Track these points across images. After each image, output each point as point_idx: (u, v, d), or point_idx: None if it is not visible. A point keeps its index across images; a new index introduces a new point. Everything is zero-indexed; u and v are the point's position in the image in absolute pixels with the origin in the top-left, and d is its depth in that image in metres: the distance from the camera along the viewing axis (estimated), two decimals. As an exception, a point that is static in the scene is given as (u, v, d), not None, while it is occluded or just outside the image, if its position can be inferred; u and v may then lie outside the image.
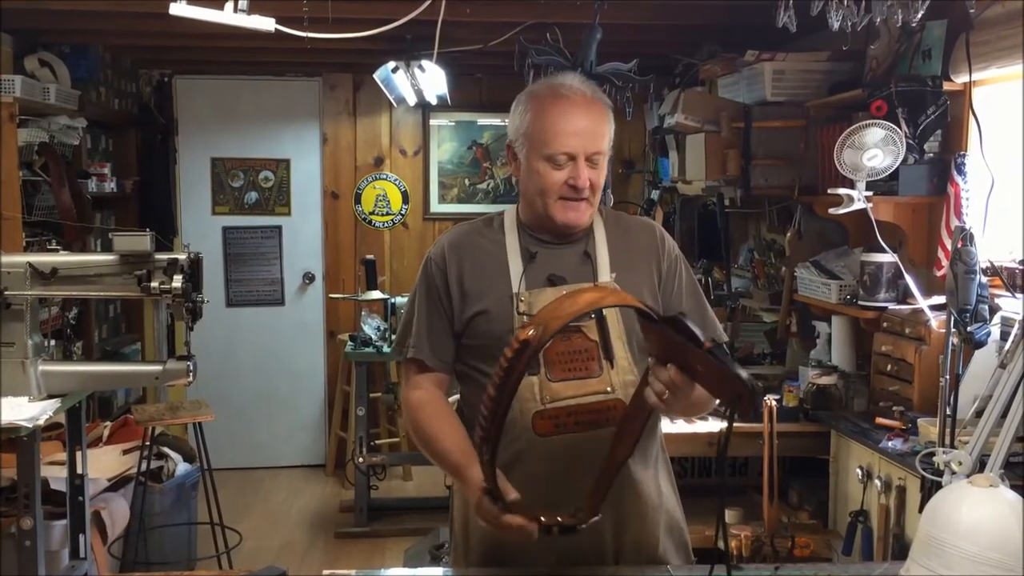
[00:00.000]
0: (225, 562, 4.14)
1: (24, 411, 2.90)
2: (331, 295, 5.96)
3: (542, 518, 1.62)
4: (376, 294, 5.10)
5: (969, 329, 2.57)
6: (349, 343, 5.13)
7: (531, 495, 1.85)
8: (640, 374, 1.88)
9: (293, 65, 5.90)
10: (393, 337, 3.94)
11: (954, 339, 2.61)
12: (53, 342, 3.87)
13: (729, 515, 3.55)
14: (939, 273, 3.23)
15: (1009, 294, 2.83)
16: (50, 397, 3.05)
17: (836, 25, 2.72)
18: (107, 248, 3.04)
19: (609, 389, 1.86)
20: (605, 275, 1.92)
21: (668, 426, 2.88)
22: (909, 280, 3.35)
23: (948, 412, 2.60)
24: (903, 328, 3.27)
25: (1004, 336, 2.70)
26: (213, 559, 4.15)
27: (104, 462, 4.00)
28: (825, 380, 3.56)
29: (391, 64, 4.80)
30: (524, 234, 1.96)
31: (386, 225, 6.10)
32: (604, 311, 1.88)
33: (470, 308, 1.92)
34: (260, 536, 4.91)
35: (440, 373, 1.97)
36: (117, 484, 3.97)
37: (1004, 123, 3.17)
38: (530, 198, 1.94)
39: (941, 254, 3.22)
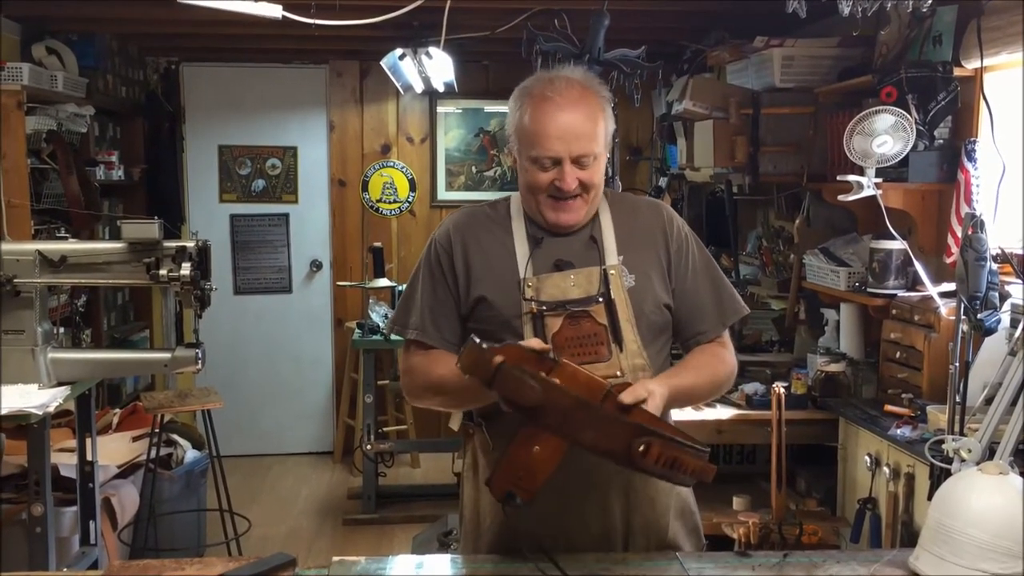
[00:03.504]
0: (234, 548, 4.17)
1: (34, 398, 2.91)
2: (338, 283, 5.96)
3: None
4: (383, 282, 5.10)
5: (979, 316, 2.56)
6: (357, 331, 5.14)
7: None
8: (649, 358, 1.88)
9: (300, 52, 5.88)
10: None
11: (964, 326, 2.60)
12: (62, 330, 3.88)
13: (737, 502, 3.55)
14: (949, 260, 3.22)
15: (1019, 281, 2.81)
16: (60, 384, 3.06)
17: (846, 11, 2.70)
18: (115, 236, 3.05)
19: (619, 373, 1.86)
20: (612, 258, 1.91)
21: (676, 413, 2.88)
22: (918, 267, 3.34)
23: (957, 400, 2.59)
24: (912, 315, 3.26)
25: (1014, 323, 2.69)
26: (222, 545, 4.18)
27: (113, 449, 4.01)
28: (833, 368, 3.55)
29: (398, 51, 4.78)
30: (529, 220, 1.95)
31: (393, 213, 6.10)
32: (612, 294, 1.88)
33: (476, 291, 1.91)
34: (269, 523, 4.93)
35: (442, 351, 1.95)
36: (127, 471, 3.98)
37: (1015, 109, 3.15)
38: (523, 194, 1.94)
39: (951, 241, 3.20)
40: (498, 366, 1.59)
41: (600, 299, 1.88)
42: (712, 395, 1.94)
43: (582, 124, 1.84)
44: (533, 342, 1.72)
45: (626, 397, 1.66)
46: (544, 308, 1.87)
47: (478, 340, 1.65)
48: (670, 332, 1.99)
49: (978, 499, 1.62)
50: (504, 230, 1.95)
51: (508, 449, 1.67)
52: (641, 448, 1.58)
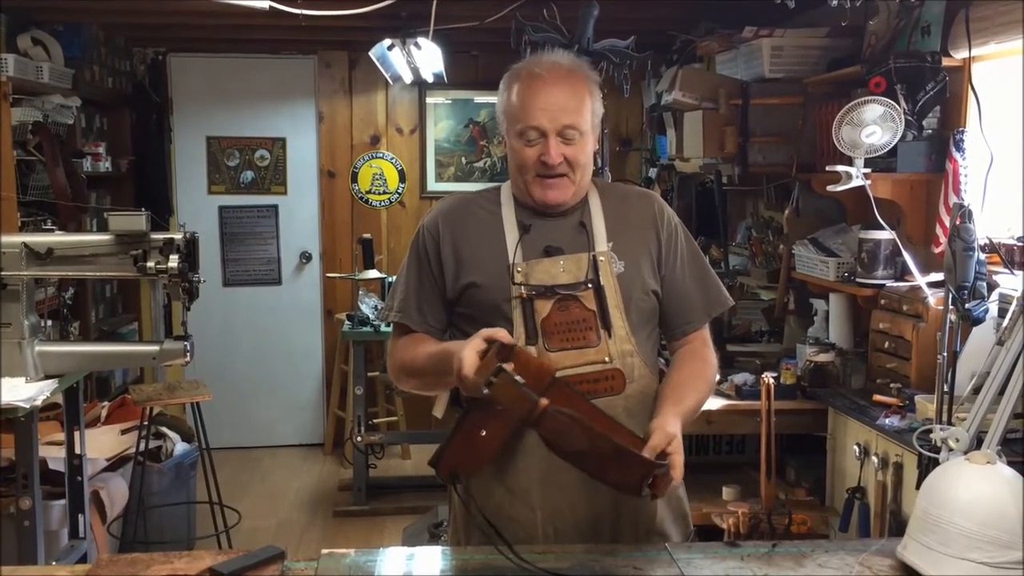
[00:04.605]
0: (224, 541, 4.16)
1: (21, 392, 2.90)
2: (328, 274, 5.95)
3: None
4: (373, 273, 5.09)
5: (967, 306, 2.56)
6: (346, 322, 5.13)
7: (530, 463, 1.86)
8: (637, 344, 1.89)
9: (288, 43, 5.85)
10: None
11: (952, 316, 2.61)
12: (50, 322, 3.86)
13: (726, 492, 3.56)
14: (937, 250, 3.22)
15: (1007, 271, 2.83)
16: (47, 377, 3.04)
17: (835, 1, 2.70)
18: (103, 228, 3.04)
19: (607, 359, 1.87)
20: (602, 245, 1.92)
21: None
22: (907, 257, 3.35)
23: (946, 389, 2.60)
24: (901, 305, 3.27)
25: (1002, 313, 2.70)
26: (212, 538, 4.17)
27: (102, 442, 4.00)
28: (823, 358, 3.56)
29: (387, 42, 4.76)
30: (519, 207, 1.96)
31: (383, 204, 6.08)
32: (601, 280, 1.89)
33: (465, 277, 1.92)
34: (259, 515, 4.92)
35: (421, 335, 1.97)
36: (116, 464, 3.97)
37: (1003, 99, 3.15)
38: (513, 175, 1.95)
39: (939, 231, 3.21)
40: (544, 410, 1.60)
41: (589, 284, 1.89)
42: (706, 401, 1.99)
43: (567, 99, 1.85)
44: (500, 334, 1.71)
45: (655, 449, 1.67)
46: (533, 293, 1.87)
47: (515, 376, 1.63)
48: (658, 319, 2.00)
49: (965, 488, 1.62)
50: (494, 216, 1.96)
51: (455, 434, 1.73)
52: (651, 482, 1.63)
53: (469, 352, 1.67)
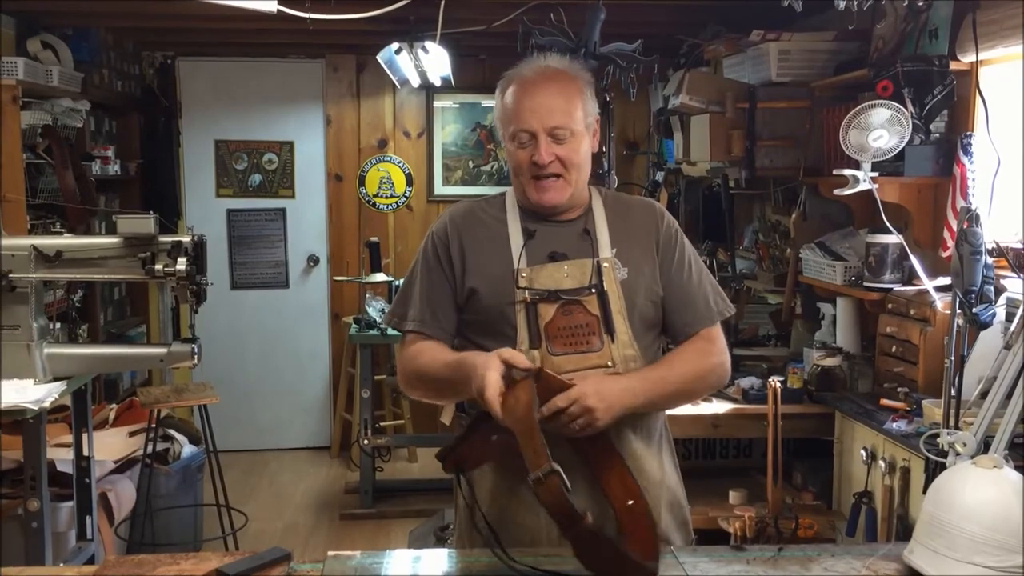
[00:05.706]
0: (231, 543, 4.17)
1: (30, 393, 2.91)
2: (335, 278, 5.96)
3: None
4: (380, 276, 5.10)
5: (974, 310, 2.56)
6: (353, 325, 5.13)
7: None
8: (640, 349, 1.89)
9: (296, 47, 5.87)
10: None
11: (959, 320, 2.61)
12: (58, 325, 3.88)
13: (733, 496, 3.56)
14: (944, 254, 3.22)
15: (1015, 275, 2.82)
16: (56, 379, 3.06)
17: (842, 4, 2.71)
18: (111, 231, 3.05)
19: (610, 363, 1.88)
20: (606, 251, 1.93)
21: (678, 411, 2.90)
22: (914, 261, 3.34)
23: (953, 393, 2.60)
24: (908, 309, 3.26)
25: (1009, 317, 2.69)
26: (219, 540, 4.18)
27: (110, 444, 4.02)
28: (830, 362, 3.56)
29: (394, 45, 4.77)
30: (523, 213, 1.97)
31: (390, 207, 6.09)
32: (605, 286, 1.89)
33: (470, 282, 1.93)
34: (265, 518, 4.93)
35: (438, 341, 1.97)
36: (123, 466, 3.99)
37: (1011, 103, 3.15)
38: (512, 179, 1.97)
39: (947, 235, 3.20)
40: (583, 527, 1.58)
41: (592, 290, 1.89)
42: (696, 390, 1.97)
43: (555, 98, 1.88)
44: (518, 359, 1.72)
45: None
46: (537, 297, 1.88)
47: (567, 483, 1.59)
48: (662, 326, 2.00)
49: (972, 493, 1.62)
50: (499, 223, 1.97)
51: (468, 435, 1.76)
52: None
53: (493, 375, 1.67)
